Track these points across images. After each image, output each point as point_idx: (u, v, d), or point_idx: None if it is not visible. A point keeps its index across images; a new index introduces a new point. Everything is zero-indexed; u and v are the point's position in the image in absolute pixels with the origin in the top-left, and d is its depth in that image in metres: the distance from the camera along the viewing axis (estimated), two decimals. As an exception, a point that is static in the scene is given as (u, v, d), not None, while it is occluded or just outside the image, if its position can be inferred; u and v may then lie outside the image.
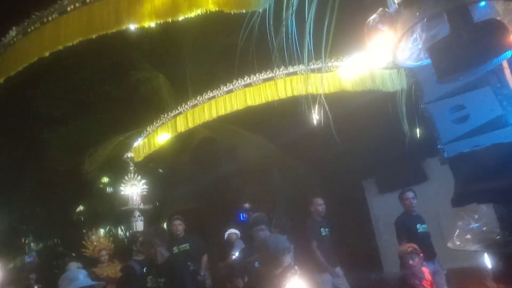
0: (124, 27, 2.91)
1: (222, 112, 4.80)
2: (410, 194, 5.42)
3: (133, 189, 5.50)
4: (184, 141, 7.93)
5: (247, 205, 5.89)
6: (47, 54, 3.03)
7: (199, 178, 8.91)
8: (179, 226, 5.36)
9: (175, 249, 5.14)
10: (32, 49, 3.13)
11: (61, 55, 3.44)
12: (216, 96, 4.78)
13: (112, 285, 5.49)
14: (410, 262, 4.15)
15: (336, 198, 8.57)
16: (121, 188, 5.57)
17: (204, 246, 5.99)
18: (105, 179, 10.94)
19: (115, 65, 10.23)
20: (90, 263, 5.90)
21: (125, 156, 5.69)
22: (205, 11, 2.79)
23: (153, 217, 5.58)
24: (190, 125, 4.97)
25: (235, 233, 6.82)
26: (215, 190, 8.96)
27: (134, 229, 5.24)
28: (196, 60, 10.21)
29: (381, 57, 2.10)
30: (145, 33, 9.93)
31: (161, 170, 9.75)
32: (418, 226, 5.16)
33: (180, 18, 2.78)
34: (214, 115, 4.83)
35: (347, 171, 8.69)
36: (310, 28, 2.67)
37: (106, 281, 5.49)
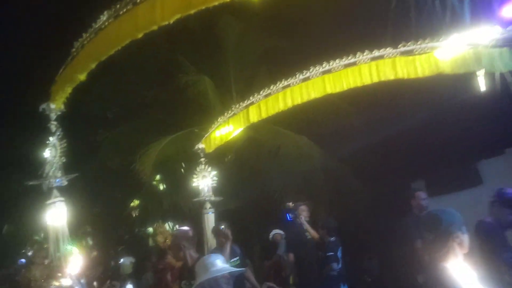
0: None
1: (298, 101, 4.44)
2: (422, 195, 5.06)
3: (204, 181, 5.36)
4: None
5: (291, 205, 5.84)
6: (140, 35, 2.98)
7: (243, 178, 9.06)
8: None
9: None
10: (124, 32, 3.09)
11: (110, 60, 3.58)
12: (291, 84, 4.42)
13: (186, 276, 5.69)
14: None
15: (381, 202, 8.35)
16: (193, 179, 5.47)
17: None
18: (156, 178, 11.37)
19: (162, 69, 10.65)
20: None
21: (196, 148, 5.56)
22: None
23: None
24: (264, 115, 4.71)
25: (280, 234, 6.97)
26: (259, 190, 9.06)
27: (206, 222, 5.15)
28: (239, 63, 10.37)
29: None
30: (189, 37, 10.35)
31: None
32: None
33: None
34: (289, 104, 4.51)
35: (394, 173, 8.41)
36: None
37: (178, 273, 5.74)
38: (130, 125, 10.58)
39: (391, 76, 4.27)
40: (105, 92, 10.42)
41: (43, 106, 3.73)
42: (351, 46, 4.46)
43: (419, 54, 4.23)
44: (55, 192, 3.56)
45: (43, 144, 3.76)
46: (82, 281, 3.78)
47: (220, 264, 2.67)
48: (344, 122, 9.41)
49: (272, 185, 9.02)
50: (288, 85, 4.43)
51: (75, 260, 3.75)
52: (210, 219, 5.09)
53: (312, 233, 6.12)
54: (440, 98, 7.53)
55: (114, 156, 10.48)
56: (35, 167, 3.88)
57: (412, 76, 4.26)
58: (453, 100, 7.29)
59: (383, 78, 4.31)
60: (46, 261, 5.70)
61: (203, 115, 10.24)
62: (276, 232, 7.28)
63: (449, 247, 2.13)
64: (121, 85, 10.64)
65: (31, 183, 3.67)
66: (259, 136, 9.23)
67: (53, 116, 3.71)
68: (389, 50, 4.26)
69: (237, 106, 5.00)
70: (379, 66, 4.32)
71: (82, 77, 3.51)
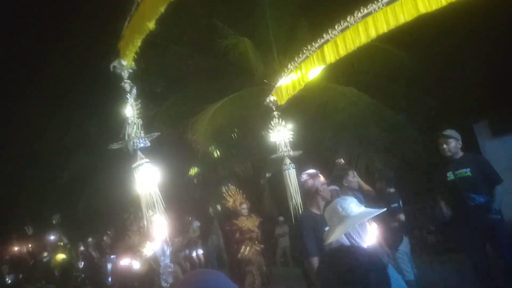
0: None
1: (383, 29, 3.74)
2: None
3: (280, 135, 4.94)
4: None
5: (342, 161, 5.63)
6: None
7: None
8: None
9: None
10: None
11: (151, 35, 3.51)
12: (372, 11, 3.75)
13: (252, 238, 5.92)
14: None
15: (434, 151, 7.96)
16: (269, 135, 5.04)
17: None
18: (213, 145, 11.64)
19: (200, 36, 10.60)
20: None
21: (267, 101, 5.06)
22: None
23: (303, 164, 5.28)
24: (342, 52, 4.09)
25: (336, 189, 6.87)
26: (308, 147, 8.99)
27: (287, 178, 4.77)
28: (277, 18, 10.01)
29: None
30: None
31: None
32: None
33: None
34: (373, 35, 3.83)
35: (454, 113, 7.92)
36: None
37: (247, 234, 5.95)
38: (178, 97, 10.80)
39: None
40: (149, 67, 10.65)
41: (114, 63, 3.44)
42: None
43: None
44: (140, 154, 3.30)
45: (118, 105, 3.49)
46: (167, 247, 3.73)
47: (357, 207, 2.20)
48: (394, 64, 8.89)
49: (324, 140, 8.90)
50: (370, 13, 3.75)
51: (162, 226, 3.47)
52: (291, 175, 4.73)
53: (366, 187, 5.98)
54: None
55: (167, 128, 10.85)
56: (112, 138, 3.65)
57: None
58: None
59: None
60: (141, 229, 6.17)
61: (246, 77, 10.20)
62: (333, 188, 7.20)
63: None
64: (164, 58, 10.80)
65: (114, 146, 3.41)
66: (305, 93, 9.03)
67: (125, 74, 3.44)
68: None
69: (309, 47, 4.37)
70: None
71: (151, 25, 3.20)
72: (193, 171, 13.20)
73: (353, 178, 4.88)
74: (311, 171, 3.65)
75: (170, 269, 3.58)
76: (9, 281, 11.63)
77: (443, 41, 8.38)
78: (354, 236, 2.08)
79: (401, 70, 8.84)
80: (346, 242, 2.13)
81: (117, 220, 8.24)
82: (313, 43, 4.30)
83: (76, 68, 13.23)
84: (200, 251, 10.59)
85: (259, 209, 7.93)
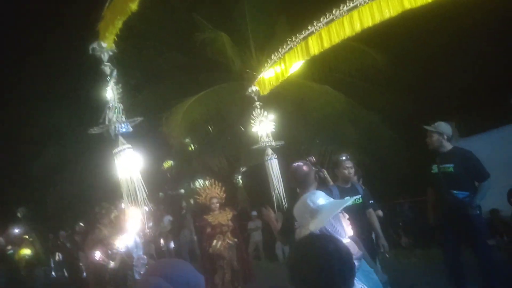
0: None
1: (368, 23, 3.79)
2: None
3: (262, 126, 4.92)
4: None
5: (312, 159, 5.65)
6: None
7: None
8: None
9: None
10: None
11: (128, 27, 3.44)
12: (358, 5, 3.81)
13: (223, 232, 5.86)
14: None
15: (410, 146, 8.22)
16: (251, 126, 5.01)
17: None
18: (187, 139, 11.52)
19: (178, 31, 10.48)
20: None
21: (249, 91, 5.00)
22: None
23: (286, 155, 5.12)
24: (326, 45, 4.09)
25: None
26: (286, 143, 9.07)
27: (270, 168, 4.74)
28: (256, 14, 10.02)
29: None
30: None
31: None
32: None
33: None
34: (358, 28, 3.86)
35: (422, 115, 8.20)
36: None
37: (218, 228, 5.89)
38: (153, 90, 10.66)
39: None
40: (125, 59, 10.44)
41: (93, 45, 3.28)
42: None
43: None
44: (121, 139, 3.17)
45: (93, 91, 3.37)
46: (139, 239, 3.62)
47: (327, 200, 2.09)
48: (369, 64, 9.08)
49: (299, 137, 8.99)
50: (355, 6, 3.81)
51: (134, 217, 3.35)
52: (274, 165, 4.72)
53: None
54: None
55: (141, 121, 10.67)
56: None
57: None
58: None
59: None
60: (112, 221, 6.05)
61: (223, 73, 10.18)
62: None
63: None
64: (140, 51, 10.62)
65: (94, 131, 3.27)
66: (281, 90, 9.10)
67: (105, 56, 3.29)
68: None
69: (294, 38, 4.36)
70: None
71: (134, 6, 3.12)
72: (167, 164, 13.08)
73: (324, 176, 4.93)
74: (301, 161, 3.63)
75: (143, 261, 3.53)
76: None
77: (417, 42, 8.63)
78: (330, 230, 1.97)
79: (376, 70, 9.05)
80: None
81: (88, 213, 8.07)
82: (297, 35, 4.29)
83: (45, 54, 12.74)
84: (172, 245, 10.52)
85: (233, 203, 7.95)
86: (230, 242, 5.85)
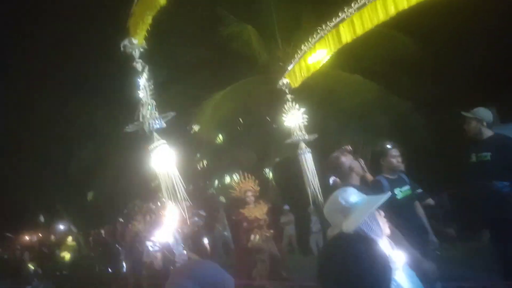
0: None
1: (403, 5, 3.56)
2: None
3: (294, 119, 4.75)
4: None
5: (349, 148, 5.46)
6: None
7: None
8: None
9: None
10: None
11: (153, 25, 3.43)
12: None
13: (260, 226, 5.82)
14: None
15: (446, 135, 7.89)
16: (283, 119, 4.84)
17: None
18: (217, 134, 11.58)
19: (204, 26, 10.48)
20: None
21: (279, 84, 4.86)
22: None
23: (318, 148, 5.00)
24: (359, 31, 3.89)
25: (336, 180, 6.77)
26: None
27: (304, 162, 4.59)
28: (282, 5, 9.86)
29: None
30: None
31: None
32: None
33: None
34: (392, 12, 3.63)
35: (461, 100, 7.82)
36: None
37: (255, 223, 5.87)
38: (180, 87, 10.74)
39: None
40: (152, 57, 10.55)
41: (124, 42, 3.25)
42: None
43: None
44: (156, 135, 3.16)
45: (127, 89, 3.35)
46: (178, 236, 3.61)
47: (360, 197, 1.90)
48: (400, 51, 8.74)
49: (330, 129, 8.82)
50: None
51: (172, 214, 3.35)
52: (308, 159, 4.57)
53: (367, 175, 5.80)
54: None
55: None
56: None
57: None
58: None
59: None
60: (147, 218, 6.19)
61: (249, 66, 10.11)
62: (333, 178, 7.12)
63: None
64: (167, 47, 10.70)
65: (129, 128, 3.28)
66: (310, 81, 8.92)
67: (136, 53, 3.26)
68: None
69: (324, 26, 4.15)
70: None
71: (163, 0, 3.13)
72: (199, 160, 13.21)
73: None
74: (339, 150, 3.50)
75: (184, 257, 3.53)
76: (32, 268, 11.73)
77: (450, 27, 8.23)
78: (365, 230, 1.79)
79: (407, 56, 8.70)
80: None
81: (122, 210, 8.27)
82: (328, 22, 4.07)
83: (81, 56, 13.12)
84: (206, 241, 10.63)
85: (265, 198, 7.94)
86: (267, 235, 5.81)
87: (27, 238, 15.44)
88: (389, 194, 2.03)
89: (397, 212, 2.86)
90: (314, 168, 4.52)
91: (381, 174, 4.04)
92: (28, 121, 15.51)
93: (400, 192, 3.91)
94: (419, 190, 4.38)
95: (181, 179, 3.09)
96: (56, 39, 13.69)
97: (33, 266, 11.50)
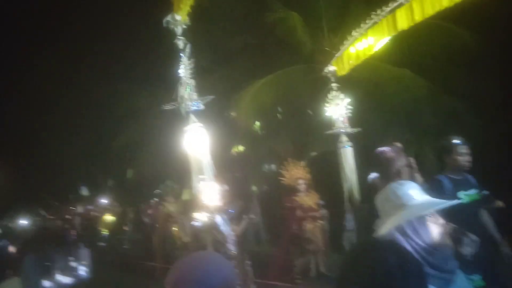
0: None
1: None
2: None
3: (338, 110, 4.51)
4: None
5: (398, 145, 5.14)
6: None
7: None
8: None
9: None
10: None
11: (198, 9, 3.34)
12: None
13: (314, 217, 5.65)
14: None
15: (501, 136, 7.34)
16: (325, 110, 4.56)
17: None
18: (255, 122, 11.48)
19: (250, 11, 10.33)
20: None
21: (325, 71, 4.63)
22: None
23: (360, 143, 4.69)
24: (417, 18, 3.58)
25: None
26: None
27: (343, 157, 4.36)
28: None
29: None
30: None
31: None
32: None
33: None
34: None
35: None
36: None
37: (310, 211, 5.70)
38: (224, 72, 10.70)
39: None
40: (196, 41, 10.56)
41: (167, 18, 3.21)
42: None
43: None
44: (193, 117, 3.13)
45: (169, 68, 3.25)
46: (224, 216, 3.54)
47: (419, 196, 1.68)
48: (455, 45, 8.14)
49: (374, 125, 8.46)
50: None
51: (213, 193, 3.22)
52: (347, 154, 4.37)
53: (417, 175, 5.47)
54: None
55: (212, 103, 10.81)
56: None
57: None
58: None
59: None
60: (177, 199, 6.25)
61: (293, 55, 9.87)
62: (373, 176, 6.82)
63: None
64: (210, 32, 10.67)
65: (167, 107, 3.24)
66: (354, 72, 8.57)
67: (179, 30, 3.21)
68: None
69: (379, 12, 3.87)
70: None
71: None
72: (235, 147, 13.20)
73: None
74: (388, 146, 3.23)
75: (233, 238, 3.49)
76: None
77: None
78: (408, 231, 1.58)
79: (463, 51, 8.10)
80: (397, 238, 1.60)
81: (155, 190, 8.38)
82: (383, 7, 3.80)
83: (126, 36, 13.44)
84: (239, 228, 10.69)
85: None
86: (319, 226, 5.66)
87: (72, 208, 16.32)
88: (457, 201, 1.82)
89: (459, 219, 2.56)
90: (354, 164, 4.28)
91: (443, 174, 3.51)
92: (81, 99, 16.29)
93: (465, 195, 3.36)
94: (485, 192, 3.77)
95: (211, 163, 3.04)
96: (103, 21, 14.11)
97: (76, 235, 12.12)
